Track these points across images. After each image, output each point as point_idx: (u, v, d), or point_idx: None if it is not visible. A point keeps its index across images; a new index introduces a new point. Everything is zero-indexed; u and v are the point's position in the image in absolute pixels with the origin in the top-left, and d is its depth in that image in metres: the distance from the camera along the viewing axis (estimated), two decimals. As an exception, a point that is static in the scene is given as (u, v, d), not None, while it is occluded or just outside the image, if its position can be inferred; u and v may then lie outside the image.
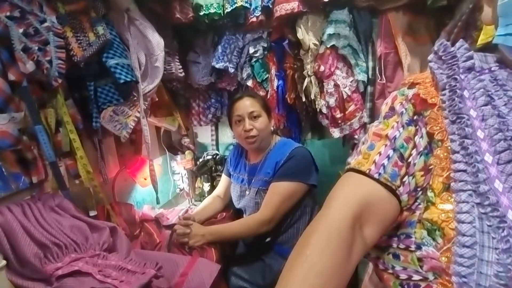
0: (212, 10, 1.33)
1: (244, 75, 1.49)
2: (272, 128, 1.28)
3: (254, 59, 1.47)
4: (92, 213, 1.07)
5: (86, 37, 1.00)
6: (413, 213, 0.44)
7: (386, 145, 0.46)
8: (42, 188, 0.94)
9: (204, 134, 1.89)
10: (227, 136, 1.85)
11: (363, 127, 1.36)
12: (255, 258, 1.19)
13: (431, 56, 0.48)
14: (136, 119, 1.14)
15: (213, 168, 1.68)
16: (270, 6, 1.29)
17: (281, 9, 1.27)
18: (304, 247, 0.41)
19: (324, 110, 1.39)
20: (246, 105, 1.19)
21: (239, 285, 1.13)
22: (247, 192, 1.27)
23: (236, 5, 1.31)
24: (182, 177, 1.70)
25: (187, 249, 1.06)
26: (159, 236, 1.18)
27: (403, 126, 0.46)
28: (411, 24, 1.22)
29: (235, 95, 1.36)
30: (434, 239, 0.40)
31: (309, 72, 1.37)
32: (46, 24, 0.87)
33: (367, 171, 0.45)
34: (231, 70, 1.45)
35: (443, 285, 0.39)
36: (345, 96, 1.32)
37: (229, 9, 1.33)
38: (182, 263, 0.90)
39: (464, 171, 0.39)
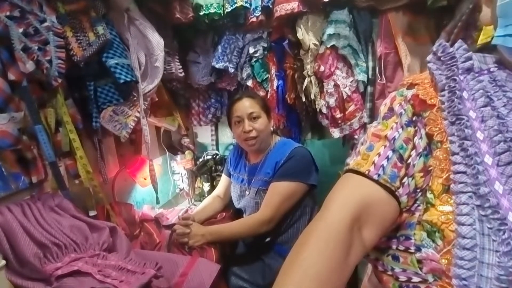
0: (212, 10, 1.33)
1: (244, 75, 1.49)
2: (272, 128, 1.28)
3: (254, 59, 1.47)
4: (92, 213, 1.07)
5: (86, 37, 1.00)
6: (412, 214, 0.44)
7: (385, 146, 0.45)
8: (41, 188, 0.94)
9: (204, 134, 1.89)
10: (227, 136, 1.85)
11: (363, 127, 1.36)
12: (255, 258, 1.19)
13: (430, 57, 0.47)
14: (136, 119, 1.14)
15: (213, 168, 1.67)
16: (270, 6, 1.29)
17: (281, 9, 1.27)
18: (302, 249, 0.40)
19: (324, 110, 1.38)
20: (245, 106, 1.19)
21: (239, 285, 1.13)
22: (247, 192, 1.27)
23: (236, 5, 1.31)
24: (182, 177, 1.70)
25: (187, 249, 1.06)
26: (159, 236, 1.18)
27: (402, 127, 0.45)
28: (411, 24, 1.22)
29: (235, 95, 1.36)
30: (433, 241, 0.40)
31: (309, 72, 1.37)
32: (46, 24, 0.87)
33: (366, 172, 0.44)
34: (231, 70, 1.45)
35: None
36: (345, 96, 1.32)
37: (229, 9, 1.33)
38: (182, 263, 0.90)
39: (464, 172, 0.39)
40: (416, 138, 0.44)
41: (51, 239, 0.80)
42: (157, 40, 1.16)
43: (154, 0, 1.25)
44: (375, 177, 0.44)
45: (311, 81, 1.37)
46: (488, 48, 0.47)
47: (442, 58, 0.45)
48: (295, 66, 1.43)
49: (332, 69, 1.31)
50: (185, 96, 1.66)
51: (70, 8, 0.97)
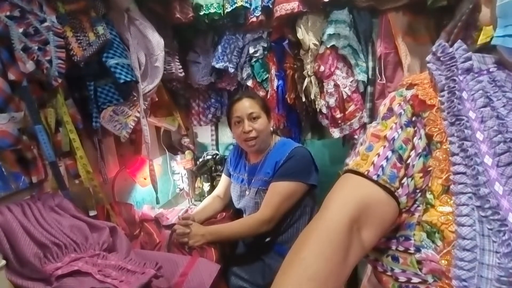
0: (212, 10, 1.33)
1: (244, 75, 1.49)
2: (271, 129, 1.28)
3: (254, 59, 1.47)
4: (92, 213, 1.07)
5: (86, 37, 1.00)
6: (412, 215, 0.44)
7: (384, 146, 0.45)
8: (42, 188, 0.94)
9: (204, 134, 1.89)
10: (227, 136, 1.85)
11: (363, 127, 1.36)
12: (255, 258, 1.19)
13: (429, 57, 0.47)
14: (136, 119, 1.14)
15: (213, 168, 1.68)
16: (270, 6, 1.29)
17: (281, 9, 1.27)
18: (300, 249, 0.40)
19: (324, 110, 1.38)
20: (245, 106, 1.19)
21: (239, 285, 1.13)
22: (247, 192, 1.27)
23: (236, 5, 1.31)
24: (182, 177, 1.70)
25: (187, 249, 1.06)
26: (158, 236, 1.18)
27: (401, 127, 0.45)
28: (411, 24, 1.22)
29: (234, 95, 1.36)
30: (433, 242, 0.40)
31: (309, 72, 1.37)
32: (46, 24, 0.87)
33: (366, 173, 0.44)
34: (231, 70, 1.45)
35: None
36: (345, 96, 1.32)
37: (229, 9, 1.33)
38: (182, 263, 0.90)
39: (464, 173, 0.39)
40: (415, 138, 0.44)
41: (51, 239, 0.80)
42: (157, 40, 1.16)
43: (154, 0, 1.25)
44: (375, 177, 0.43)
45: (311, 81, 1.37)
46: (487, 48, 0.47)
47: (441, 59, 0.45)
48: (295, 66, 1.43)
49: (332, 69, 1.31)
50: (185, 96, 1.66)
51: (70, 8, 0.97)
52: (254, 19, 1.34)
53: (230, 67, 1.45)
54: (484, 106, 0.40)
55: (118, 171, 1.31)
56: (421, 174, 0.43)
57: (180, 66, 1.40)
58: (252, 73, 1.49)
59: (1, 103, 0.79)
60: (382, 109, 0.50)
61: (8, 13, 0.80)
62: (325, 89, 1.35)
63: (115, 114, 1.11)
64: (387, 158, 0.44)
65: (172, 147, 1.75)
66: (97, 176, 1.11)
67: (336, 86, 1.33)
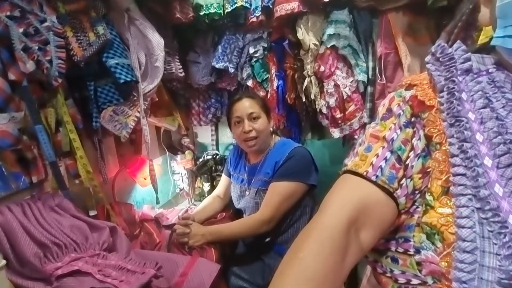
0: (212, 10, 1.33)
1: (244, 75, 1.49)
2: (271, 129, 1.28)
3: (254, 59, 1.47)
4: (92, 213, 1.07)
5: (86, 37, 1.00)
6: (411, 216, 0.44)
7: (383, 147, 0.45)
8: (42, 187, 0.94)
9: (204, 134, 1.89)
10: (227, 136, 1.85)
11: (363, 127, 1.36)
12: (254, 258, 1.19)
13: (428, 58, 0.47)
14: (136, 119, 1.15)
15: (213, 168, 1.68)
16: (270, 6, 1.29)
17: (281, 9, 1.27)
18: (299, 249, 0.40)
19: (324, 110, 1.39)
20: (245, 106, 1.19)
21: (239, 285, 1.13)
22: (247, 192, 1.27)
23: (236, 5, 1.31)
24: (182, 177, 1.70)
25: (187, 249, 1.06)
26: (159, 236, 1.18)
27: (400, 128, 0.45)
28: (411, 24, 1.22)
29: (235, 95, 1.36)
30: (433, 243, 0.40)
31: (309, 72, 1.37)
32: (46, 24, 0.87)
33: (364, 173, 0.44)
34: (231, 70, 1.45)
35: None
36: (345, 96, 1.32)
37: (229, 9, 1.33)
38: (182, 263, 0.90)
39: (464, 175, 0.39)
40: (414, 139, 0.44)
41: (51, 238, 0.80)
42: (157, 40, 1.17)
43: (154, 0, 1.25)
44: (373, 178, 0.43)
45: (311, 81, 1.37)
46: (486, 48, 0.46)
47: (440, 59, 0.45)
48: (295, 66, 1.43)
49: (332, 69, 1.31)
50: (185, 96, 1.66)
51: (70, 8, 0.97)
52: (254, 19, 1.34)
53: (230, 67, 1.45)
54: (484, 107, 0.40)
55: (118, 171, 1.31)
56: (420, 175, 0.43)
57: (180, 66, 1.40)
58: (252, 73, 1.50)
59: (2, 103, 0.79)
60: (381, 110, 0.49)
61: (8, 13, 0.80)
62: (325, 89, 1.35)
63: (115, 114, 1.11)
64: (386, 159, 0.44)
65: (172, 147, 1.75)
66: (97, 176, 1.11)
67: (336, 86, 1.33)
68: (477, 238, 0.36)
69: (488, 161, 0.38)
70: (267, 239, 1.19)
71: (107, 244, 0.90)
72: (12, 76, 0.82)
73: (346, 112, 1.35)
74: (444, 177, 0.41)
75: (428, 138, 0.43)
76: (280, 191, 1.13)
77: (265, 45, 1.44)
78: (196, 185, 1.72)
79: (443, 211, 0.40)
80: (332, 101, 1.35)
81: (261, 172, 1.22)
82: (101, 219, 1.08)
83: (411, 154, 0.44)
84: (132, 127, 1.13)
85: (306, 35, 1.31)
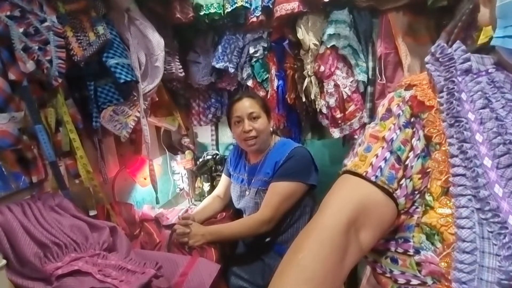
0: (212, 10, 1.33)
1: (244, 75, 1.49)
2: (271, 129, 1.28)
3: (254, 59, 1.47)
4: (92, 212, 1.07)
5: (86, 37, 1.00)
6: (411, 217, 0.44)
7: (383, 147, 0.45)
8: (42, 187, 0.94)
9: (204, 134, 1.89)
10: (227, 136, 1.85)
11: (363, 127, 1.36)
12: (254, 258, 1.19)
13: (428, 58, 0.47)
14: (136, 118, 1.15)
15: (213, 168, 1.68)
16: (270, 6, 1.29)
17: (281, 9, 1.27)
18: (298, 250, 0.40)
19: (324, 110, 1.38)
20: (245, 106, 1.19)
21: (239, 285, 1.13)
22: (247, 192, 1.27)
23: (236, 5, 1.31)
24: (182, 177, 1.70)
25: (187, 249, 1.06)
26: (159, 236, 1.18)
27: (400, 128, 0.45)
28: (411, 24, 1.22)
29: (235, 95, 1.36)
30: (433, 244, 0.40)
31: (309, 72, 1.37)
32: (46, 24, 0.87)
33: (364, 174, 0.44)
34: (231, 70, 1.45)
35: None
36: (345, 96, 1.32)
37: (229, 9, 1.33)
38: (182, 263, 0.90)
39: (463, 175, 0.39)
40: (414, 139, 0.44)
41: (52, 238, 0.81)
42: (157, 40, 1.16)
43: (154, 0, 1.25)
44: (373, 178, 0.43)
45: (311, 81, 1.37)
46: (486, 48, 0.46)
47: (440, 59, 0.45)
48: (295, 66, 1.43)
49: (332, 69, 1.31)
50: (185, 96, 1.66)
51: (70, 8, 0.97)
52: (254, 19, 1.34)
53: (230, 67, 1.45)
54: (483, 108, 0.40)
55: (118, 171, 1.31)
56: (419, 176, 0.43)
57: (180, 66, 1.40)
58: (252, 73, 1.49)
59: (2, 103, 0.79)
60: (381, 110, 0.49)
61: (8, 13, 0.80)
62: (325, 89, 1.35)
63: (115, 114, 1.11)
64: (385, 159, 0.44)
65: (172, 147, 1.75)
66: (97, 176, 1.11)
67: (336, 86, 1.33)
68: (476, 238, 0.36)
69: (487, 162, 0.38)
70: (267, 239, 1.19)
71: (107, 244, 0.90)
72: (12, 76, 0.82)
73: (346, 112, 1.35)
74: (443, 177, 0.41)
75: (428, 139, 0.43)
76: (280, 191, 1.13)
77: (265, 45, 1.43)
78: (196, 185, 1.72)
79: (442, 212, 0.40)
80: (332, 101, 1.35)
81: (261, 172, 1.22)
82: (101, 219, 1.08)
83: (411, 155, 0.44)
84: (132, 127, 1.13)
85: (306, 35, 1.31)
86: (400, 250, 0.44)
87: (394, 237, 0.46)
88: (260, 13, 1.32)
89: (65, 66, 0.90)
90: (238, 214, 1.37)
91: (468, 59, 0.43)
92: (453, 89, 0.42)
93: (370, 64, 1.31)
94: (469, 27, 1.00)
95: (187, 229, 1.08)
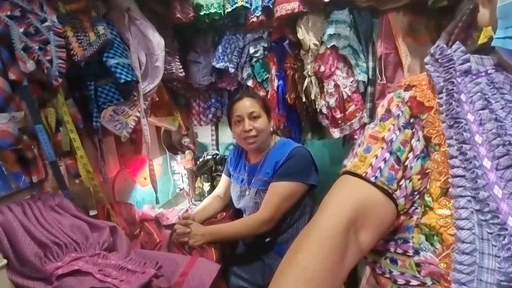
0: (212, 10, 1.33)
1: (245, 75, 1.49)
2: (272, 129, 1.28)
3: (255, 59, 1.47)
4: (92, 212, 1.07)
5: (86, 37, 1.00)
6: (410, 217, 0.44)
7: (382, 148, 0.45)
8: (42, 187, 0.94)
9: (204, 134, 1.89)
10: (227, 136, 1.85)
11: (363, 127, 1.36)
12: (254, 258, 1.19)
13: (427, 59, 0.47)
14: (136, 118, 1.15)
15: (213, 168, 1.68)
16: (271, 6, 1.29)
17: (282, 9, 1.27)
18: (297, 250, 0.40)
19: (324, 110, 1.38)
20: (246, 105, 1.19)
21: (239, 285, 1.13)
22: (247, 192, 1.27)
23: (236, 5, 1.31)
24: (182, 177, 1.70)
25: (187, 249, 1.06)
26: (159, 236, 1.18)
27: (399, 129, 0.45)
28: (411, 24, 1.22)
29: (235, 95, 1.36)
30: (432, 245, 0.40)
31: (309, 72, 1.37)
32: (46, 24, 0.87)
33: (364, 174, 0.44)
34: (232, 70, 1.45)
35: None
36: (345, 97, 1.32)
37: (229, 9, 1.33)
38: (182, 262, 0.90)
39: (463, 176, 0.39)
40: (413, 140, 0.44)
41: (52, 238, 0.81)
42: (157, 40, 1.17)
43: (154, 0, 1.25)
44: (372, 179, 0.43)
45: (311, 81, 1.37)
46: (485, 49, 0.46)
47: (439, 60, 0.45)
48: (296, 66, 1.43)
49: (333, 69, 1.31)
50: (186, 96, 1.66)
51: (70, 7, 0.97)
52: (255, 19, 1.34)
53: (231, 67, 1.45)
54: (483, 109, 0.40)
55: (118, 171, 1.31)
56: (419, 176, 0.43)
57: (181, 66, 1.40)
58: (252, 73, 1.49)
59: (2, 103, 0.80)
60: (380, 111, 0.49)
61: (8, 13, 0.80)
62: (325, 89, 1.35)
63: (115, 114, 1.11)
64: (385, 160, 0.44)
65: (173, 147, 1.75)
66: (97, 175, 1.12)
67: (336, 86, 1.33)
68: (476, 239, 0.36)
69: (487, 163, 0.37)
70: (267, 239, 1.19)
71: (107, 244, 0.90)
72: (12, 76, 0.82)
73: (346, 112, 1.35)
74: (443, 178, 0.41)
75: (427, 139, 0.43)
76: (280, 191, 1.13)
77: (265, 45, 1.43)
78: (196, 185, 1.72)
79: (442, 213, 0.40)
80: (332, 101, 1.35)
81: (261, 172, 1.22)
82: (101, 218, 1.08)
83: (410, 155, 0.44)
84: (132, 127, 1.13)
85: (306, 35, 1.31)
86: (399, 250, 0.44)
87: (393, 237, 0.46)
88: (260, 13, 1.32)
89: (65, 66, 0.90)
90: (238, 214, 1.37)
91: (467, 60, 0.43)
92: (452, 90, 0.42)
93: (370, 64, 1.31)
94: (470, 27, 1.00)
95: (187, 229, 1.08)
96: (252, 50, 1.44)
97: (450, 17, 1.08)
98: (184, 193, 1.72)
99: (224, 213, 1.37)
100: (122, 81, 1.06)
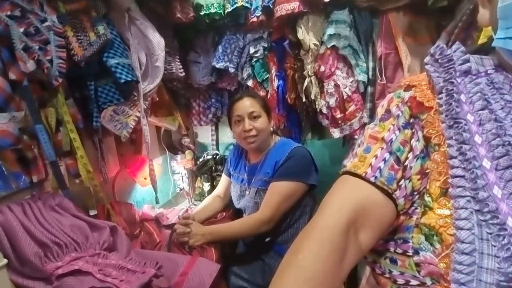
0: (212, 10, 1.33)
1: (245, 75, 1.49)
2: (272, 129, 1.28)
3: (255, 59, 1.47)
4: (92, 212, 1.07)
5: (86, 37, 1.00)
6: (410, 217, 0.44)
7: (382, 148, 0.45)
8: (42, 187, 0.94)
9: (204, 134, 1.89)
10: (227, 136, 1.85)
11: (363, 127, 1.36)
12: (254, 257, 1.19)
13: (427, 59, 0.47)
14: (136, 118, 1.15)
15: (213, 168, 1.68)
16: (271, 6, 1.29)
17: (282, 9, 1.27)
18: (297, 251, 0.41)
19: (324, 110, 1.39)
20: (246, 105, 1.19)
21: (239, 285, 1.13)
22: (247, 192, 1.27)
23: (236, 5, 1.31)
24: (182, 176, 1.70)
25: (187, 249, 1.06)
26: (159, 236, 1.18)
27: (399, 129, 0.45)
28: (411, 24, 1.22)
29: (235, 95, 1.36)
30: (432, 245, 0.40)
31: (309, 72, 1.37)
32: (46, 24, 0.87)
33: (363, 175, 0.44)
34: (232, 70, 1.45)
35: None
36: (345, 97, 1.32)
37: (229, 9, 1.33)
38: (182, 262, 0.90)
39: (462, 176, 0.39)
40: (413, 140, 0.44)
41: (52, 238, 0.81)
42: (157, 40, 1.17)
43: (155, 0, 1.25)
44: (372, 179, 0.43)
45: (311, 81, 1.37)
46: (485, 49, 0.46)
47: (439, 61, 0.45)
48: (296, 66, 1.43)
49: (333, 69, 1.31)
50: (186, 96, 1.66)
51: (70, 7, 0.97)
52: (255, 19, 1.34)
53: (231, 67, 1.45)
54: (482, 109, 0.40)
55: (118, 171, 1.31)
56: (418, 176, 0.43)
57: (181, 66, 1.40)
58: (252, 73, 1.50)
59: (2, 103, 0.80)
60: (380, 111, 0.49)
61: (9, 13, 0.81)
62: (325, 89, 1.35)
63: (115, 113, 1.11)
64: (384, 160, 0.44)
65: (173, 147, 1.75)
66: (97, 175, 1.12)
67: (337, 86, 1.33)
68: (475, 240, 0.36)
69: (486, 163, 0.38)
70: (267, 239, 1.19)
71: (107, 244, 0.90)
72: (12, 76, 0.82)
73: (346, 112, 1.35)
74: (442, 178, 0.41)
75: (427, 139, 0.43)
76: (280, 191, 1.13)
77: (266, 45, 1.44)
78: (196, 185, 1.72)
79: (441, 213, 0.40)
80: (332, 101, 1.35)
81: (261, 172, 1.22)
82: (102, 218, 1.08)
83: (410, 155, 0.44)
84: (132, 127, 1.13)
85: (306, 35, 1.31)
86: (399, 250, 0.44)
87: (393, 237, 0.46)
88: (260, 13, 1.32)
89: (65, 66, 0.91)
90: (238, 214, 1.37)
91: (467, 60, 0.43)
92: (452, 91, 0.42)
93: (370, 64, 1.31)
94: (470, 27, 1.00)
95: (187, 229, 1.08)
96: (252, 50, 1.45)
97: (450, 17, 1.08)
98: (184, 193, 1.72)
99: (224, 213, 1.37)
100: (122, 81, 1.06)
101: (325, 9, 1.29)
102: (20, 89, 0.84)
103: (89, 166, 1.02)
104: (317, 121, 1.48)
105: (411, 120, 0.45)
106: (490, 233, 0.36)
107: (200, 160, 1.70)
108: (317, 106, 1.40)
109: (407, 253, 0.43)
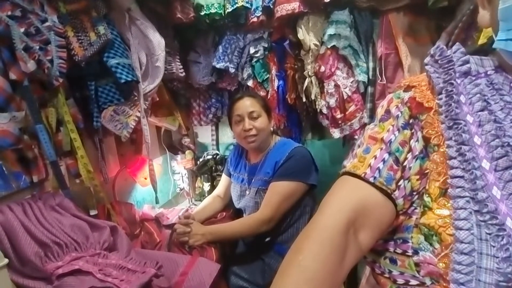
0: (213, 10, 1.33)
1: (245, 75, 1.49)
2: (272, 128, 1.28)
3: (255, 59, 1.47)
4: (93, 212, 1.07)
5: (87, 37, 1.00)
6: (409, 217, 0.44)
7: (381, 149, 0.45)
8: (42, 187, 0.94)
9: (205, 134, 1.90)
10: (227, 136, 1.85)
11: (363, 127, 1.36)
12: (255, 257, 1.19)
13: (427, 59, 0.47)
14: (136, 118, 1.15)
15: (213, 168, 1.68)
16: (271, 7, 1.29)
17: (282, 10, 1.27)
18: (298, 251, 0.41)
19: (325, 111, 1.39)
20: (246, 105, 1.19)
21: (239, 285, 1.13)
22: (247, 192, 1.27)
23: (237, 5, 1.31)
24: (182, 176, 1.71)
25: (187, 249, 1.07)
26: (159, 236, 1.18)
27: (398, 130, 0.45)
28: (411, 25, 1.22)
29: (235, 95, 1.36)
30: (431, 245, 0.40)
31: (309, 73, 1.37)
32: (47, 24, 0.87)
33: (363, 175, 0.44)
34: (232, 70, 1.46)
35: None
36: (345, 97, 1.33)
37: (230, 9, 1.33)
38: (182, 262, 0.90)
39: (461, 177, 0.39)
40: (412, 141, 0.44)
41: (52, 238, 0.81)
42: (158, 40, 1.17)
43: (155, 0, 1.25)
44: (371, 179, 0.44)
45: (311, 81, 1.37)
46: (485, 49, 0.46)
47: (439, 61, 0.45)
48: (296, 66, 1.43)
49: (333, 70, 1.31)
50: (186, 96, 1.66)
51: (71, 7, 0.97)
52: (255, 19, 1.34)
53: (231, 67, 1.45)
54: (482, 110, 0.40)
55: (118, 171, 1.32)
56: (417, 177, 0.43)
57: (181, 66, 1.40)
58: (252, 73, 1.50)
59: (2, 103, 0.80)
60: (380, 111, 0.50)
61: (9, 13, 0.81)
62: (325, 89, 1.35)
63: (115, 113, 1.11)
64: (384, 161, 0.44)
65: (173, 147, 1.75)
66: (97, 175, 1.12)
67: (337, 86, 1.33)
68: (474, 240, 0.36)
69: (486, 164, 0.38)
70: (267, 239, 1.19)
71: (107, 244, 0.90)
72: (13, 76, 0.82)
73: (347, 113, 1.35)
74: (442, 178, 0.41)
75: (426, 140, 0.43)
76: (280, 190, 1.14)
77: (266, 45, 1.44)
78: (196, 185, 1.72)
79: (441, 213, 0.40)
80: (332, 102, 1.35)
81: (261, 172, 1.22)
82: (102, 218, 1.08)
83: (409, 156, 0.44)
84: (132, 127, 1.13)
85: (306, 36, 1.31)
86: (398, 250, 0.45)
87: (393, 237, 0.46)
88: (260, 13, 1.32)
89: (66, 66, 0.91)
90: (238, 214, 1.37)
91: (467, 61, 0.43)
92: (452, 91, 0.42)
93: (371, 64, 1.31)
94: (470, 28, 1.00)
95: (188, 229, 1.08)
96: (252, 50, 1.45)
97: (450, 17, 1.08)
98: (184, 193, 1.72)
99: (224, 213, 1.37)
100: (123, 81, 1.06)
101: (325, 10, 1.29)
102: (20, 89, 0.85)
103: (90, 166, 1.02)
104: (317, 121, 1.48)
105: (411, 121, 0.45)
106: (489, 234, 0.36)
107: (200, 160, 1.70)
108: (317, 106, 1.40)
109: (407, 253, 0.43)
